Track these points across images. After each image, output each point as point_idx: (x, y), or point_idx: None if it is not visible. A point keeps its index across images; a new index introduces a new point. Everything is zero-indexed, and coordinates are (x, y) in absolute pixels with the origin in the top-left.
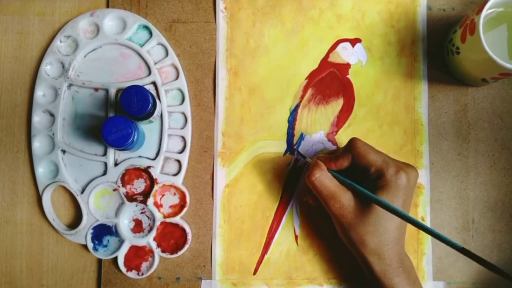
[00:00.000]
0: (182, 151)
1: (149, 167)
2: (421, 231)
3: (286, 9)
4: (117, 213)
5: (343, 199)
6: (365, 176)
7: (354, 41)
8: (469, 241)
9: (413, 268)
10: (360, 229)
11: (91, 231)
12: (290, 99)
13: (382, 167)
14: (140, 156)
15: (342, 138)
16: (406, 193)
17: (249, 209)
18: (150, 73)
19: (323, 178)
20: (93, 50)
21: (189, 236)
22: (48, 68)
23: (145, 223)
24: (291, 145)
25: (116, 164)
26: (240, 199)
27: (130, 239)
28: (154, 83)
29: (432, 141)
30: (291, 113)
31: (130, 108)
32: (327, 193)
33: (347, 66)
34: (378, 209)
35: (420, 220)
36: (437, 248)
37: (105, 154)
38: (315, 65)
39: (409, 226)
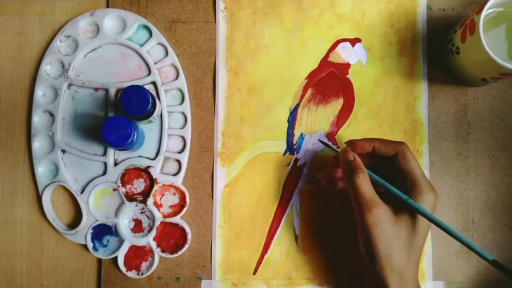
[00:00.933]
0: (182, 151)
1: (149, 167)
2: None
3: (286, 9)
4: (117, 213)
5: (382, 208)
6: (396, 182)
7: (354, 41)
8: None
9: None
10: (391, 243)
11: (91, 231)
12: (290, 99)
13: (420, 178)
14: (140, 156)
15: (342, 138)
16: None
17: (249, 209)
18: (150, 73)
19: (366, 182)
20: (93, 50)
21: (189, 236)
22: (48, 68)
23: (145, 223)
24: (291, 145)
25: (116, 164)
26: (240, 199)
27: (130, 239)
28: (154, 83)
29: (432, 141)
30: (291, 113)
31: (130, 108)
32: (368, 200)
33: (347, 66)
34: (411, 225)
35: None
36: (437, 248)
37: (105, 154)
38: (315, 65)
39: None
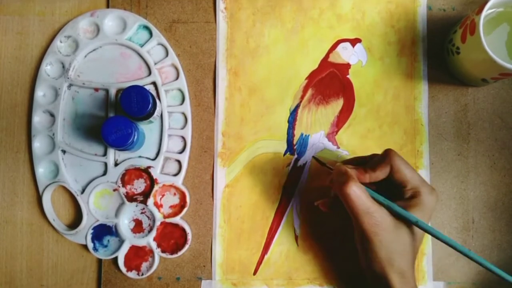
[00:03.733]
0: (182, 151)
1: (149, 167)
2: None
3: (286, 9)
4: (117, 213)
5: (379, 216)
6: (396, 191)
7: (354, 41)
8: (469, 241)
9: None
10: (391, 248)
11: (91, 231)
12: (290, 99)
13: (419, 186)
14: (140, 156)
15: (342, 138)
16: (431, 214)
17: (249, 209)
18: (150, 73)
19: (360, 192)
20: (93, 50)
21: (189, 236)
22: (48, 68)
23: (145, 223)
24: (291, 145)
25: (116, 164)
26: (240, 199)
27: (130, 239)
28: (154, 83)
29: (432, 141)
30: (291, 113)
31: (130, 108)
32: (363, 208)
33: (347, 66)
34: (411, 229)
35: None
36: (437, 248)
37: (105, 154)
38: (315, 65)
39: None
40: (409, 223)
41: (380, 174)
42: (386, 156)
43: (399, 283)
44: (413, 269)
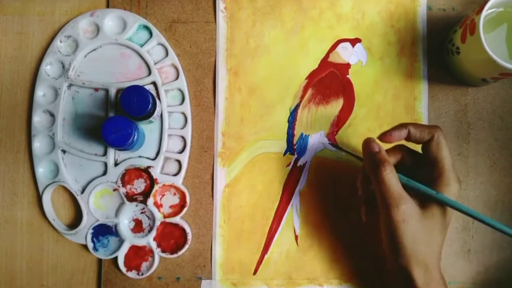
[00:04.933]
0: (182, 151)
1: (149, 167)
2: None
3: (286, 9)
4: (117, 213)
5: (409, 203)
6: (422, 168)
7: (354, 41)
8: (469, 241)
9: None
10: (417, 238)
11: (91, 231)
12: (290, 99)
13: (448, 169)
14: (140, 156)
15: (342, 138)
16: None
17: (249, 209)
18: (150, 73)
19: (392, 176)
20: (93, 50)
21: (189, 236)
22: (48, 68)
23: (145, 223)
24: (291, 145)
25: (116, 164)
26: (240, 199)
27: (130, 239)
28: (154, 83)
29: None
30: (291, 113)
31: (130, 108)
32: (395, 195)
33: (347, 66)
34: (438, 219)
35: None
36: None
37: (105, 154)
38: (315, 65)
39: None
40: (438, 212)
41: (422, 133)
42: (434, 127)
43: (422, 277)
44: (438, 265)
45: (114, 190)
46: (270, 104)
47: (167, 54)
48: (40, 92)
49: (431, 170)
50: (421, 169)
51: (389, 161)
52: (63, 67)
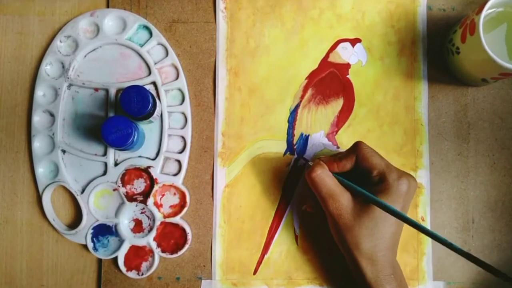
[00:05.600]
0: (182, 151)
1: (149, 167)
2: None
3: (286, 9)
4: (117, 213)
5: (342, 198)
6: (366, 179)
7: (354, 41)
8: (469, 241)
9: (403, 277)
10: (356, 232)
11: (91, 231)
12: (290, 99)
13: (384, 171)
14: (140, 156)
15: (342, 138)
16: (406, 200)
17: (249, 209)
18: (150, 73)
19: (324, 176)
20: (93, 50)
21: (189, 236)
22: (48, 68)
23: (145, 223)
24: (291, 145)
25: (116, 164)
26: (240, 199)
27: (130, 239)
28: (154, 83)
29: (432, 141)
30: (291, 113)
31: (130, 108)
32: (326, 191)
33: (347, 66)
34: (375, 213)
35: (420, 221)
36: (437, 248)
37: (105, 154)
38: (315, 65)
39: (408, 228)
40: (382, 208)
41: (347, 163)
42: (354, 147)
43: (370, 270)
44: (389, 258)
45: (114, 190)
46: (270, 104)
47: (167, 54)
48: (40, 92)
49: (373, 179)
50: (366, 181)
51: (322, 165)
52: (63, 67)
